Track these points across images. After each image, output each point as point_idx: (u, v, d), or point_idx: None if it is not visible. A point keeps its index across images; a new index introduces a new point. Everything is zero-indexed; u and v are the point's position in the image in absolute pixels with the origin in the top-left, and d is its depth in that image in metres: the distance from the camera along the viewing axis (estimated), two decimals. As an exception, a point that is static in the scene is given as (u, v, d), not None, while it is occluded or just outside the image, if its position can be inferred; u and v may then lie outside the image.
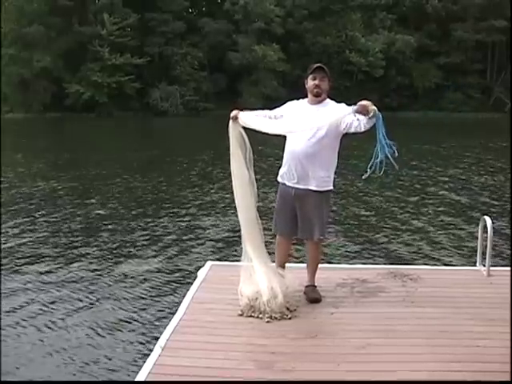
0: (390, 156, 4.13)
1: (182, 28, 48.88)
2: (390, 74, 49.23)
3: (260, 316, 4.28)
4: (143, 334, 5.90)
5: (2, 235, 9.67)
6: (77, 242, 9.49)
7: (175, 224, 10.65)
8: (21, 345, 5.62)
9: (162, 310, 6.47)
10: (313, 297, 4.62)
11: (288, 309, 4.36)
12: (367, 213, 11.54)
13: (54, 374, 5.06)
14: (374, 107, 4.12)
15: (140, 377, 3.49)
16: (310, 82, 4.53)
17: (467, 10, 50.36)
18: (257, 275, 4.44)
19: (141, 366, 3.66)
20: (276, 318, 4.25)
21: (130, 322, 6.20)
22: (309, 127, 4.38)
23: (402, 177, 16.09)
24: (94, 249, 9.04)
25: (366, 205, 12.33)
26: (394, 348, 3.84)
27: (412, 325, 4.21)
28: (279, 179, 4.71)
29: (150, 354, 3.79)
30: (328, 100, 4.58)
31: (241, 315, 4.33)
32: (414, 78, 49.85)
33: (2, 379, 4.87)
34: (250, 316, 4.30)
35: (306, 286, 4.72)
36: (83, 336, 5.86)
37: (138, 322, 6.22)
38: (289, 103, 4.74)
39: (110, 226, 10.50)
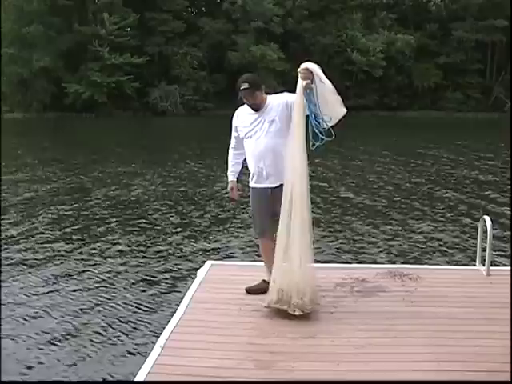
0: (319, 128, 4.25)
1: (181, 28, 48.89)
2: (389, 74, 49.19)
3: (286, 308, 4.24)
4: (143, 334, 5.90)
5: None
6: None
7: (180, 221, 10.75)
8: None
9: (161, 310, 6.46)
10: None
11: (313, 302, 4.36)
12: (365, 212, 11.54)
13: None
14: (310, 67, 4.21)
15: (139, 377, 3.48)
16: (245, 101, 4.58)
17: (467, 10, 50.34)
18: (295, 272, 4.34)
19: (140, 366, 3.65)
20: (307, 311, 4.25)
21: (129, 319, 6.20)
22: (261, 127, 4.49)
23: (401, 176, 16.10)
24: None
25: (364, 204, 12.33)
26: (393, 348, 3.84)
27: (411, 324, 4.20)
28: (252, 184, 4.71)
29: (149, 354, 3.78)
30: (268, 101, 4.58)
31: (267, 307, 4.31)
32: (413, 77, 49.85)
33: (3, 379, 4.87)
34: (277, 308, 4.27)
35: None
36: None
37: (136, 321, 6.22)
38: (235, 117, 4.76)
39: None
